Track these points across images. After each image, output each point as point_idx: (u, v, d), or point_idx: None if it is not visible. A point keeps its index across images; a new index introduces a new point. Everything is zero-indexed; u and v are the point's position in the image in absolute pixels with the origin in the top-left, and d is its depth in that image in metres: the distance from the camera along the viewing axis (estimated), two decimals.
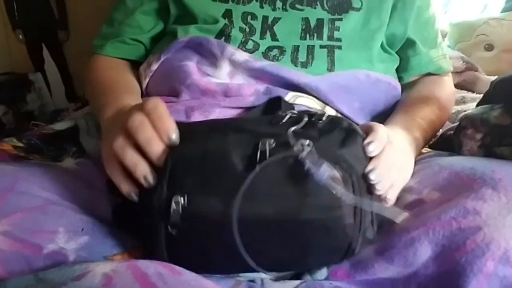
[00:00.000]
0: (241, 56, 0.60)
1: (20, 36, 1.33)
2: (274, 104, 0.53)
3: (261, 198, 0.39)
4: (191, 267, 0.40)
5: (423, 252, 0.42)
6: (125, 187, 0.43)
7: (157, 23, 0.71)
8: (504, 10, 1.36)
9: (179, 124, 0.43)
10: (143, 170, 0.41)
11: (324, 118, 0.44)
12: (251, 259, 0.38)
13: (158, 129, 0.42)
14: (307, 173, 0.38)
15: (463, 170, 0.47)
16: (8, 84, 1.28)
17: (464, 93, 1.10)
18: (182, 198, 0.39)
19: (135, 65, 0.71)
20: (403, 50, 0.71)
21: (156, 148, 0.41)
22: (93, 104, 0.63)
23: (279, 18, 0.64)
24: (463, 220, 0.41)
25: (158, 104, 0.43)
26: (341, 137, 0.43)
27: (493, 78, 0.79)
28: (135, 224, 0.44)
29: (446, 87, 0.72)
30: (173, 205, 0.39)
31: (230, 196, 0.38)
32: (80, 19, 1.29)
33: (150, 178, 0.41)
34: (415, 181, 0.50)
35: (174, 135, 0.41)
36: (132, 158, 0.42)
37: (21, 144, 0.56)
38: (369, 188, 0.43)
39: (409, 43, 0.70)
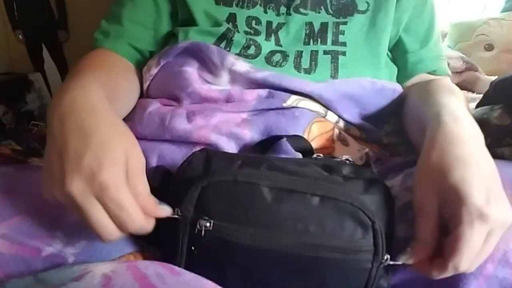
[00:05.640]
0: (242, 66, 0.59)
1: (20, 36, 1.32)
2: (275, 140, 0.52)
3: (285, 231, 0.40)
4: None
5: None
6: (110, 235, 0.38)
7: (161, 22, 0.67)
8: (504, 10, 1.35)
9: (212, 151, 0.44)
10: (113, 232, 0.37)
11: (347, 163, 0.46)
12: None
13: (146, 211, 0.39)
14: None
15: None
16: (7, 84, 1.27)
17: (464, 93, 1.10)
18: (208, 223, 0.39)
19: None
20: (396, 48, 0.68)
21: (137, 223, 0.38)
22: None
23: (283, 24, 0.63)
24: None
25: (141, 181, 0.39)
26: (365, 184, 0.43)
27: (493, 78, 0.80)
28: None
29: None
30: (198, 226, 0.40)
31: (257, 225, 0.39)
32: (80, 19, 1.28)
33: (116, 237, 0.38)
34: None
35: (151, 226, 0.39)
36: (100, 217, 0.36)
37: (19, 148, 0.56)
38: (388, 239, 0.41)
39: (400, 41, 0.67)
